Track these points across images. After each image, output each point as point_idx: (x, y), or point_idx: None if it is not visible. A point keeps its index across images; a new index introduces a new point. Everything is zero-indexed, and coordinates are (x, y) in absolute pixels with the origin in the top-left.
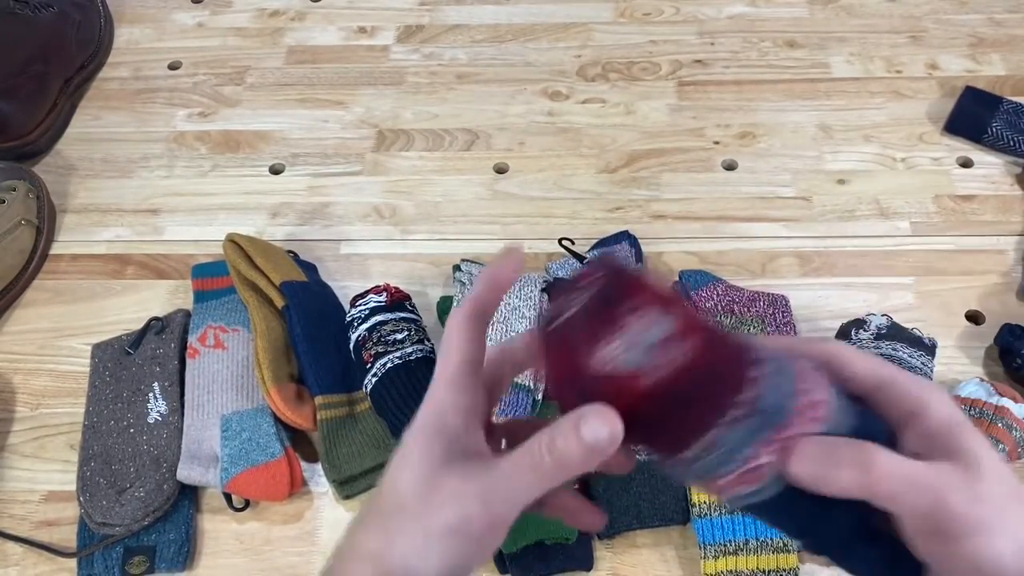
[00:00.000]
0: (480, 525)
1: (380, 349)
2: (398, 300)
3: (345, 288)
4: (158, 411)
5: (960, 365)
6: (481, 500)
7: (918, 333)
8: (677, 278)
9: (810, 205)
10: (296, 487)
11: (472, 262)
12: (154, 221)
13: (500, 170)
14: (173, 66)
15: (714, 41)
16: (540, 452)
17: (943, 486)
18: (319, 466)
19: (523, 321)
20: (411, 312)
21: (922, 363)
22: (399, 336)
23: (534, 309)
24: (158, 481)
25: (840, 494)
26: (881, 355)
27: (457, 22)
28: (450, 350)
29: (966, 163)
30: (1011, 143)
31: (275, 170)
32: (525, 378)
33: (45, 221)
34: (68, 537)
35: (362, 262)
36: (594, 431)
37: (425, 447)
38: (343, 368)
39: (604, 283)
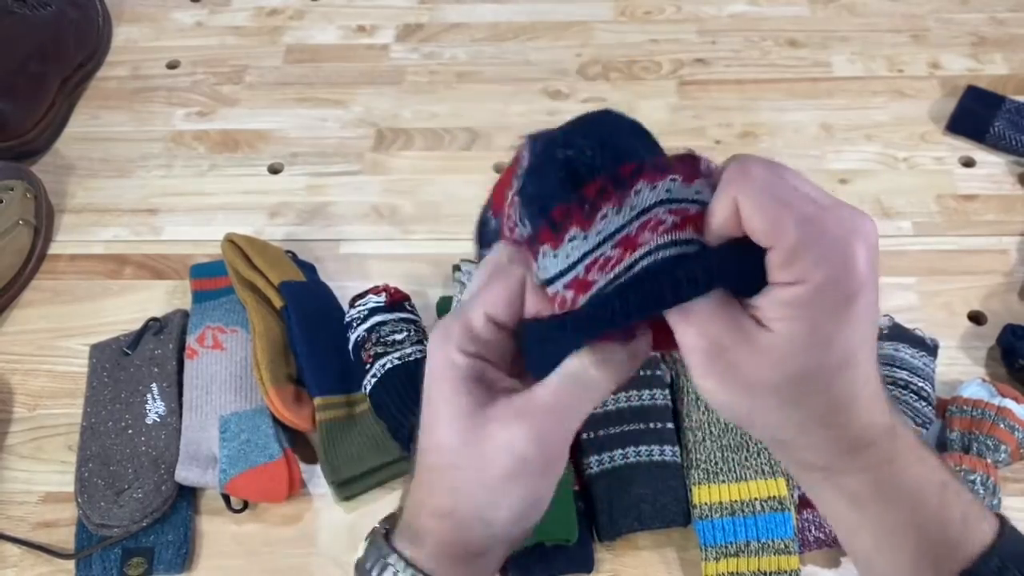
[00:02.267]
0: (539, 463)
1: (379, 350)
2: (397, 300)
3: (344, 288)
4: (156, 412)
5: (962, 366)
6: (534, 439)
7: (920, 333)
8: None
9: None
10: (295, 489)
11: (472, 262)
12: (152, 221)
13: (500, 169)
14: (171, 65)
15: (715, 40)
16: (584, 369)
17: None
18: (318, 467)
19: None
20: (410, 312)
21: (924, 363)
22: (398, 337)
23: None
24: (156, 482)
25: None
26: (883, 355)
27: (457, 21)
28: (476, 300)
29: (968, 163)
30: (1013, 143)
31: (274, 170)
32: None
33: (43, 221)
34: (66, 538)
35: (361, 262)
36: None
37: (451, 396)
38: (342, 369)
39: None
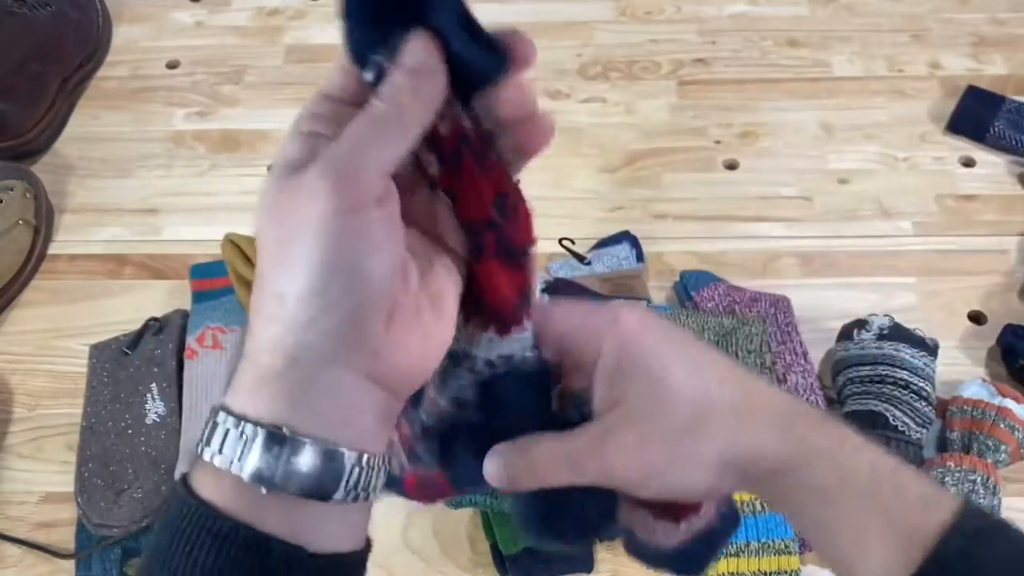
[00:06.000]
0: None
1: None
2: None
3: None
4: (156, 412)
5: (962, 366)
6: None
7: (920, 334)
8: (678, 278)
9: (812, 205)
10: None
11: None
12: (152, 221)
13: None
14: (171, 65)
15: (715, 40)
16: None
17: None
18: None
19: None
20: None
21: (924, 363)
22: None
23: None
24: (156, 483)
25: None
26: (883, 355)
27: None
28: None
29: (968, 163)
30: (1013, 143)
31: None
32: None
33: (43, 221)
34: (66, 538)
35: None
36: (413, 54)
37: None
38: None
39: None
